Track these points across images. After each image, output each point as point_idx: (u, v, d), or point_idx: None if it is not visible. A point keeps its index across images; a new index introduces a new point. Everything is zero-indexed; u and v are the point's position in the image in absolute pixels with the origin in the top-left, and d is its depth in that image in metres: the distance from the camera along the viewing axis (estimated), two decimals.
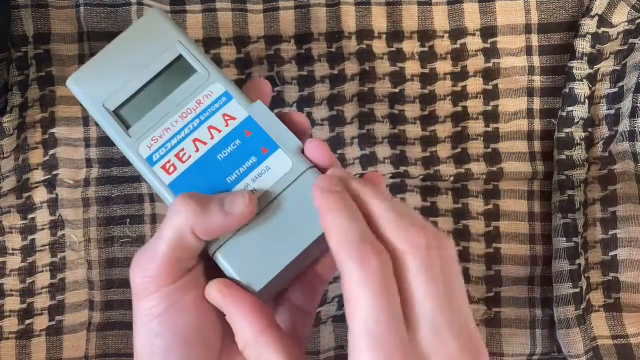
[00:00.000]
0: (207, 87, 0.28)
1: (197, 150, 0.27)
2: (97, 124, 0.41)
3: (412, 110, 0.42)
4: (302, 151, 0.27)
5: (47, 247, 0.41)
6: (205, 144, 0.27)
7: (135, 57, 0.28)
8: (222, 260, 0.26)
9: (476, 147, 0.41)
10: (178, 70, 0.28)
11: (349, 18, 0.41)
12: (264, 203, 0.26)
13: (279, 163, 0.26)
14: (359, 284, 0.21)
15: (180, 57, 0.28)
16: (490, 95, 0.42)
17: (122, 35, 0.29)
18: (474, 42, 0.42)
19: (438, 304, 0.21)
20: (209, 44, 0.41)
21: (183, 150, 0.27)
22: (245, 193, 0.25)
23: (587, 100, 0.40)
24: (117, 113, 0.28)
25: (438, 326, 0.21)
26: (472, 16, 0.41)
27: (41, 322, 0.41)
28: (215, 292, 0.25)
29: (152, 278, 0.25)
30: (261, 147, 0.26)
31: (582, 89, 0.40)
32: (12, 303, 0.41)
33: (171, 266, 0.25)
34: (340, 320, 0.41)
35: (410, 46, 0.42)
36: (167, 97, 0.28)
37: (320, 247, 0.26)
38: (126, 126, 0.28)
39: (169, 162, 0.27)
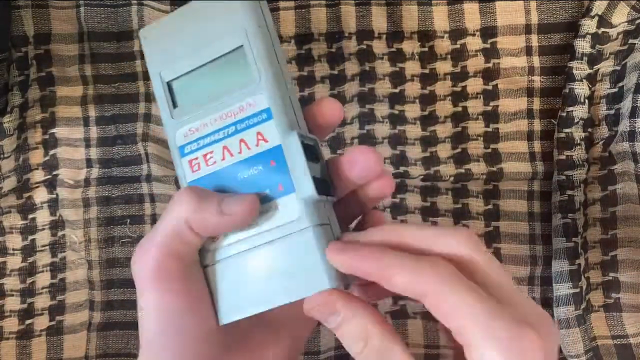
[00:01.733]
0: (253, 94, 0.25)
1: (223, 158, 0.26)
2: (97, 124, 0.41)
3: (412, 110, 0.42)
4: (317, 195, 0.25)
5: (47, 247, 0.41)
6: (232, 155, 0.26)
7: (203, 29, 0.26)
8: (209, 276, 0.26)
9: (476, 147, 0.41)
10: (236, 61, 0.26)
11: (349, 18, 0.41)
12: (264, 240, 0.25)
13: (288, 208, 0.25)
14: None
15: (241, 47, 0.26)
16: (490, 95, 0.42)
17: (199, 2, 0.26)
18: (474, 42, 0.42)
19: None
20: None
21: (212, 152, 0.26)
22: (246, 196, 0.25)
23: (586, 100, 0.40)
24: (169, 85, 0.27)
25: None
26: (472, 16, 0.41)
27: (41, 322, 0.41)
28: (333, 302, 0.23)
29: (149, 269, 0.24)
30: (279, 183, 0.25)
31: (581, 89, 0.40)
32: (13, 303, 0.41)
33: (167, 257, 0.24)
34: None
35: (410, 46, 0.42)
36: (217, 86, 0.26)
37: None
38: (174, 104, 0.27)
39: (195, 158, 0.26)
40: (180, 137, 0.26)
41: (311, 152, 0.25)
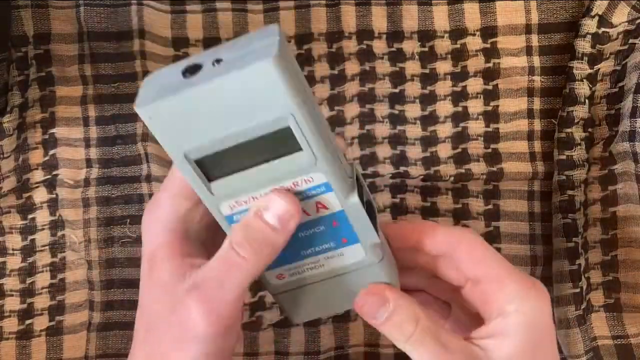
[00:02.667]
0: (309, 172, 0.24)
1: None
2: (96, 124, 0.41)
3: (412, 110, 0.42)
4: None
5: (47, 247, 0.41)
6: None
7: (233, 109, 0.22)
8: (281, 298, 0.28)
9: (476, 147, 0.41)
10: (282, 141, 0.23)
11: (349, 18, 0.41)
12: (328, 275, 0.27)
13: (353, 253, 0.26)
14: None
15: (287, 128, 0.22)
16: (490, 95, 0.42)
17: (228, 77, 0.21)
18: (474, 42, 0.42)
19: None
20: (209, 44, 0.41)
21: None
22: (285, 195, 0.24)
23: (587, 100, 0.40)
24: (199, 162, 0.23)
25: None
26: (472, 16, 0.41)
27: (41, 322, 0.41)
28: (381, 293, 0.26)
29: (161, 242, 0.25)
30: (342, 237, 0.26)
31: (582, 89, 0.40)
32: (12, 303, 0.41)
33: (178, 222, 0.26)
34: (340, 320, 0.41)
35: (410, 46, 0.42)
36: (261, 164, 0.24)
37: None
38: (208, 178, 0.24)
39: None
40: (226, 208, 0.25)
41: (365, 201, 0.26)
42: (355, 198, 0.24)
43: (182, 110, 0.22)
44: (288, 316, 0.29)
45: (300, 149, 0.23)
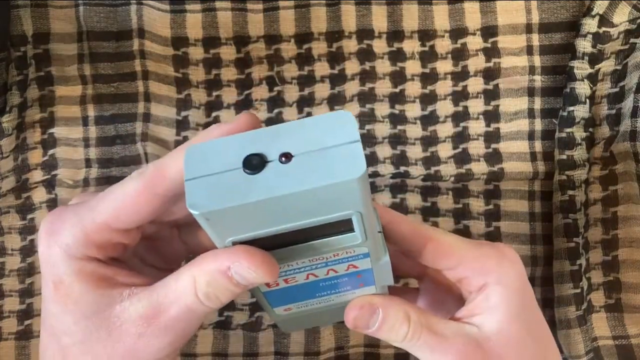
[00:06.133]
0: (354, 247, 0.23)
1: (307, 278, 0.25)
2: (96, 124, 0.41)
3: (412, 110, 0.41)
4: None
5: None
6: (316, 277, 0.25)
7: (298, 211, 0.20)
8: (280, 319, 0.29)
9: (476, 147, 0.41)
10: (336, 226, 0.22)
11: (349, 17, 0.41)
12: (333, 307, 0.28)
13: (365, 292, 0.27)
14: None
15: (349, 220, 0.21)
16: (491, 94, 0.41)
17: (307, 189, 0.19)
18: (475, 42, 0.41)
19: None
20: (209, 43, 0.41)
21: (294, 278, 0.25)
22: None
23: (588, 100, 0.40)
24: (241, 242, 0.22)
25: None
26: (472, 15, 0.41)
27: (40, 323, 0.41)
28: (368, 304, 0.26)
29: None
30: (361, 283, 0.26)
31: (583, 88, 0.40)
32: (11, 303, 0.41)
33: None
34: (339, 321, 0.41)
35: (411, 46, 0.42)
36: (308, 242, 0.23)
37: None
38: None
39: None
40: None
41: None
42: (386, 258, 0.25)
43: (243, 214, 0.20)
44: (279, 326, 0.29)
45: (352, 231, 0.22)
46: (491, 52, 0.41)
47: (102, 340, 0.23)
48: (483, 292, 0.26)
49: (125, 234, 0.24)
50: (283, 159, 0.20)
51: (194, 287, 0.23)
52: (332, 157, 0.19)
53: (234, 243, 0.22)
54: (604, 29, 0.39)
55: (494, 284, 0.26)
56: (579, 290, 0.39)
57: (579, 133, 0.40)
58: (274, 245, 0.22)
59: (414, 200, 0.41)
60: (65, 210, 0.25)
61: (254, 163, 0.19)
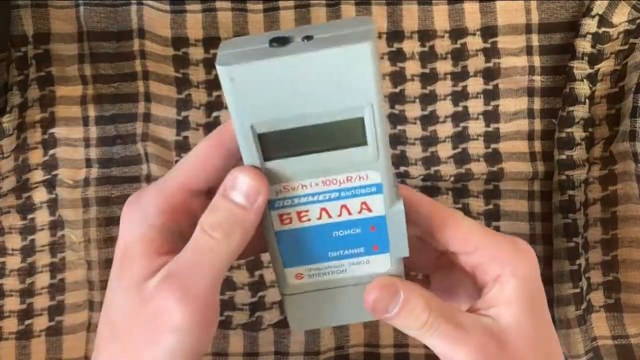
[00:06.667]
0: (366, 169, 0.24)
1: (320, 218, 0.25)
2: (96, 124, 0.41)
3: (412, 110, 0.42)
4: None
5: (47, 247, 0.41)
6: (330, 217, 0.25)
7: (315, 88, 0.22)
8: (290, 300, 0.28)
9: (476, 147, 0.41)
10: (350, 131, 0.23)
11: None
12: (346, 282, 0.27)
13: (379, 263, 0.26)
14: None
15: (360, 119, 0.23)
16: (491, 95, 0.42)
17: (323, 52, 0.21)
18: (474, 42, 0.41)
19: None
20: (209, 43, 0.41)
21: (307, 212, 0.25)
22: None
23: (587, 100, 0.40)
24: (261, 137, 0.23)
25: None
26: (472, 16, 0.41)
27: (41, 323, 0.41)
28: (391, 284, 0.26)
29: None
30: (374, 244, 0.26)
31: (582, 88, 0.40)
32: (12, 303, 0.41)
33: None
34: None
35: (410, 46, 0.42)
36: (322, 152, 0.23)
37: None
38: (264, 156, 0.23)
39: (288, 214, 0.25)
40: (272, 192, 0.24)
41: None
42: (401, 205, 0.25)
43: (265, 78, 0.21)
44: (288, 320, 0.28)
45: (365, 143, 0.23)
46: (491, 52, 0.41)
47: (139, 315, 0.23)
48: (498, 283, 0.26)
49: (197, 198, 0.25)
50: (305, 40, 0.22)
51: (200, 229, 0.23)
52: (348, 36, 0.21)
53: (253, 130, 0.23)
54: (603, 29, 0.39)
55: (509, 276, 0.26)
56: (578, 290, 0.39)
57: (578, 133, 0.40)
58: (290, 152, 0.23)
59: None
60: (147, 186, 0.26)
61: (280, 41, 0.22)
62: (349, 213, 0.25)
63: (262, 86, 0.22)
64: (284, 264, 0.26)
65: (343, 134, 0.23)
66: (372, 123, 0.22)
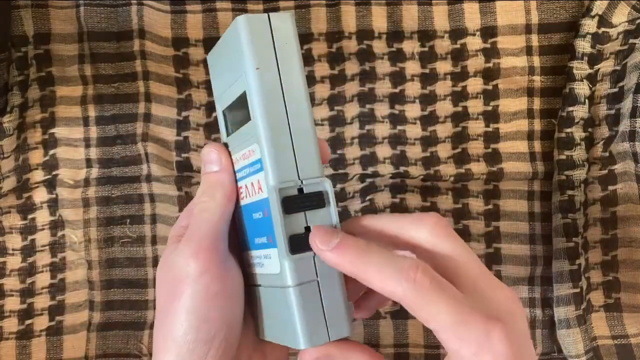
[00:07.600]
0: (253, 142, 0.24)
1: (244, 197, 0.26)
2: (96, 124, 0.41)
3: (412, 110, 0.42)
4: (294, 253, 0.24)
5: (47, 247, 0.41)
6: (250, 195, 0.26)
7: (232, 65, 0.26)
8: (250, 295, 0.28)
9: (476, 147, 0.41)
10: (244, 106, 0.25)
11: (349, 18, 0.41)
12: (267, 282, 0.26)
13: (273, 261, 0.24)
14: None
15: (244, 93, 0.25)
16: (490, 95, 0.42)
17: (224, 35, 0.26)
18: (474, 42, 0.42)
19: None
20: (209, 43, 0.41)
21: (245, 187, 0.26)
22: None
23: (587, 100, 0.40)
24: (224, 114, 0.28)
25: None
26: (472, 16, 0.41)
27: (41, 322, 0.41)
28: (327, 228, 0.24)
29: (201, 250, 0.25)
30: (270, 235, 0.24)
31: (582, 89, 0.40)
32: (12, 303, 0.41)
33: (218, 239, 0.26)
34: None
35: (410, 46, 0.42)
36: (241, 126, 0.25)
37: None
38: (227, 132, 0.28)
39: (240, 187, 0.27)
40: (235, 161, 0.27)
41: (303, 202, 0.24)
42: (273, 182, 0.24)
43: (218, 57, 0.27)
44: (257, 327, 0.28)
45: (249, 116, 0.25)
46: (491, 52, 0.41)
47: (167, 282, 0.26)
48: None
49: None
50: None
51: (194, 202, 0.27)
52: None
53: (220, 106, 0.28)
54: (603, 29, 0.39)
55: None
56: (578, 290, 0.39)
57: (578, 133, 0.40)
58: (234, 127, 0.27)
59: (413, 200, 0.41)
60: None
61: None
62: (254, 192, 0.25)
63: (217, 65, 0.27)
64: (251, 246, 0.27)
65: (244, 112, 0.25)
66: (250, 93, 0.24)
